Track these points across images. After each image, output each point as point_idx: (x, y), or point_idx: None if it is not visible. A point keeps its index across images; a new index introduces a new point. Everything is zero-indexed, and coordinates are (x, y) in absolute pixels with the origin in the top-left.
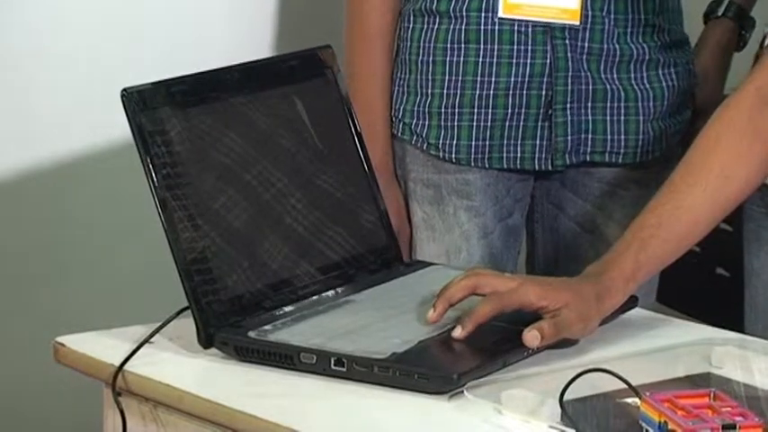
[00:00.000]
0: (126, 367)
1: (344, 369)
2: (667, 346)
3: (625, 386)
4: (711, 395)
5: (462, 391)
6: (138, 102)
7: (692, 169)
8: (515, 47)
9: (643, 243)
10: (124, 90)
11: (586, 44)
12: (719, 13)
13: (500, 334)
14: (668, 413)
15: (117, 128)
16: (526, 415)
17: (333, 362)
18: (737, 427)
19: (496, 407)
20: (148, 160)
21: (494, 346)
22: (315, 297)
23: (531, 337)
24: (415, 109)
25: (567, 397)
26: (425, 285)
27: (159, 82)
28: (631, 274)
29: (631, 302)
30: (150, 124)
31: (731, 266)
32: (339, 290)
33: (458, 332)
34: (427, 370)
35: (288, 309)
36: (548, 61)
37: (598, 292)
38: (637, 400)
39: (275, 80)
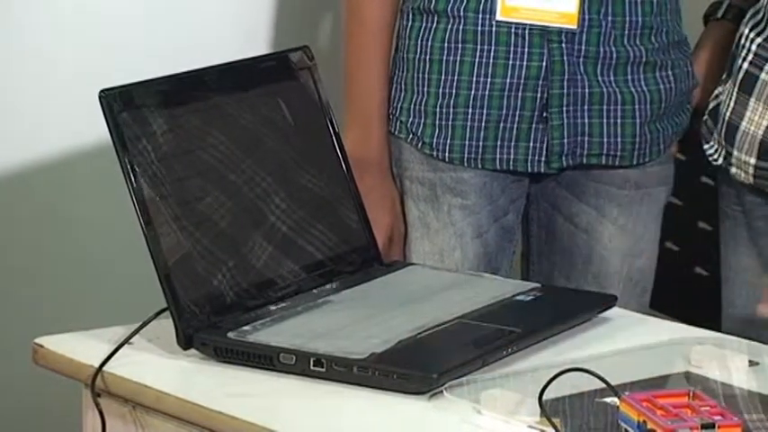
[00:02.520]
0: (105, 368)
1: (324, 369)
2: (646, 346)
3: (604, 385)
4: (690, 394)
5: (442, 391)
6: (117, 102)
7: None
8: (511, 48)
9: None
10: (102, 91)
11: (583, 47)
12: (719, 15)
13: (480, 333)
14: (647, 412)
15: (100, 127)
16: (505, 415)
17: (312, 362)
18: (716, 426)
19: (476, 406)
20: (126, 161)
21: (473, 346)
22: (294, 297)
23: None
24: (411, 107)
25: (546, 396)
26: (404, 285)
27: (138, 83)
28: None
29: (609, 302)
30: (129, 125)
31: (710, 266)
32: (318, 290)
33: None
34: (406, 370)
35: (267, 309)
36: (544, 64)
37: None
38: (616, 399)
39: (254, 81)
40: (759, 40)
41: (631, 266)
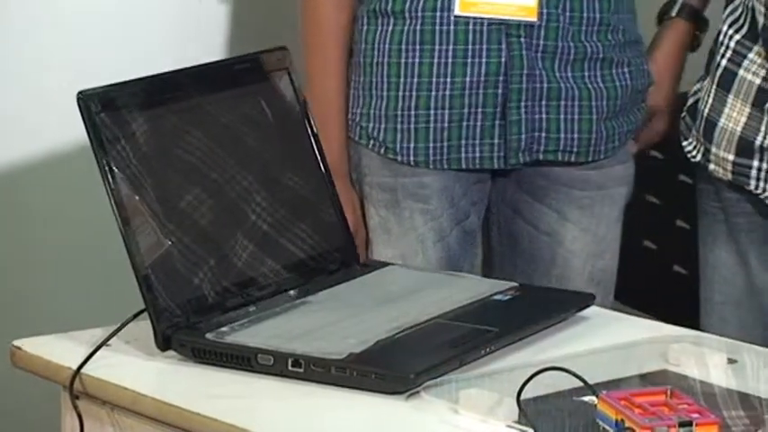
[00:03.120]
0: (83, 370)
1: (302, 370)
2: (624, 344)
3: (582, 384)
4: (668, 392)
5: (419, 391)
6: (95, 104)
7: None
8: (470, 46)
9: None
10: (80, 93)
11: (541, 42)
12: (673, 14)
13: (457, 333)
14: (625, 411)
15: (79, 127)
16: (483, 414)
17: (290, 363)
18: (694, 424)
19: (453, 406)
20: (104, 162)
21: (451, 346)
22: (273, 298)
23: None
24: (372, 112)
25: (524, 396)
26: (382, 285)
27: (116, 84)
28: None
29: (587, 300)
30: (108, 127)
31: (688, 264)
32: (297, 290)
33: None
34: (384, 370)
35: (245, 310)
36: (503, 60)
37: None
38: (594, 398)
39: (233, 81)
40: (737, 37)
41: (594, 267)
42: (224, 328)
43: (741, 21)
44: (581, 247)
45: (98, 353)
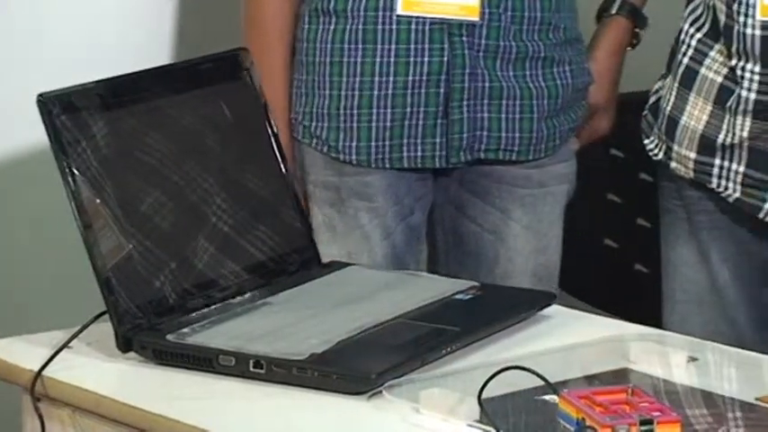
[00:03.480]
0: (45, 372)
1: (263, 371)
2: (585, 343)
3: (543, 383)
4: (629, 391)
5: (381, 391)
6: (55, 106)
7: None
8: (412, 45)
9: None
10: (40, 95)
11: (483, 41)
12: (613, 11)
13: (418, 332)
14: (586, 409)
15: (37, 132)
16: (445, 414)
17: (252, 364)
18: (655, 422)
19: (415, 406)
20: (65, 164)
21: (412, 345)
22: (234, 299)
23: None
24: (314, 111)
25: (485, 395)
26: (343, 286)
27: (77, 86)
28: None
29: (549, 299)
30: (69, 129)
31: (650, 262)
32: (258, 291)
33: None
34: (345, 370)
35: (207, 311)
36: (445, 59)
37: None
38: (555, 396)
39: (194, 82)
40: (699, 35)
41: (536, 263)
42: (185, 330)
43: (702, 19)
44: (523, 245)
45: (59, 355)
